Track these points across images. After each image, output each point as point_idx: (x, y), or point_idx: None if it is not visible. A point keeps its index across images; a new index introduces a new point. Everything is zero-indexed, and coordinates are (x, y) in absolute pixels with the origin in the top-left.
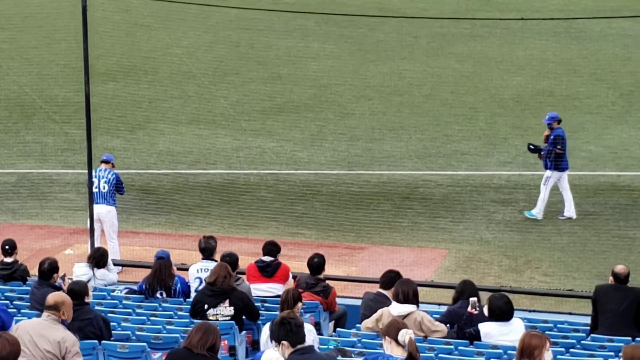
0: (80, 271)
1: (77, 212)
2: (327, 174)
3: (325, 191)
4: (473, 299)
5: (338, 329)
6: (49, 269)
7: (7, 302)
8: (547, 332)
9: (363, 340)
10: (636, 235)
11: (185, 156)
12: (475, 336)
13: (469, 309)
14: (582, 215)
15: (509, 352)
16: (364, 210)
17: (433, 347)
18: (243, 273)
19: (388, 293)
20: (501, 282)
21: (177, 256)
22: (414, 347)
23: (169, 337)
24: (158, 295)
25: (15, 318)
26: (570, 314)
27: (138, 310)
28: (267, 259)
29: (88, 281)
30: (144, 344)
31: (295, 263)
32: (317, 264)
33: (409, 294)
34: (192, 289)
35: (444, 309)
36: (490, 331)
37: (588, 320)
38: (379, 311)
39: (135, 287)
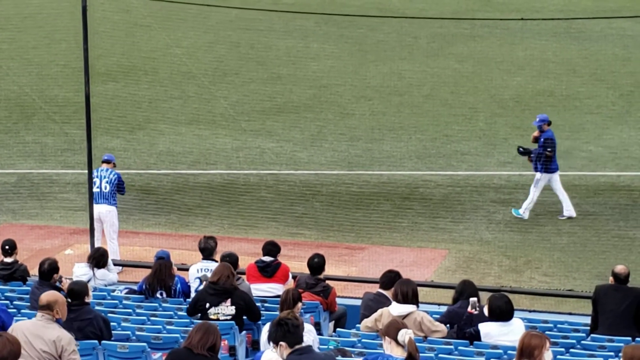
0: (81, 271)
1: (77, 212)
2: (327, 174)
3: (325, 191)
4: (473, 299)
5: (338, 329)
6: (49, 270)
7: (7, 302)
8: (547, 332)
9: (363, 340)
10: (636, 236)
11: (185, 156)
12: (475, 336)
13: (469, 309)
14: (582, 216)
15: (509, 352)
16: (363, 211)
17: (433, 347)
18: (243, 273)
19: (388, 293)
20: (501, 282)
21: (177, 256)
22: (414, 347)
23: (169, 337)
24: (158, 295)
25: (15, 318)
26: (570, 314)
27: (138, 311)
28: (267, 259)
29: (88, 281)
30: (144, 344)
31: (295, 263)
32: (317, 264)
33: (408, 294)
34: (192, 289)
35: (444, 309)
36: (490, 331)
37: (588, 320)
38: (379, 311)
39: (135, 287)
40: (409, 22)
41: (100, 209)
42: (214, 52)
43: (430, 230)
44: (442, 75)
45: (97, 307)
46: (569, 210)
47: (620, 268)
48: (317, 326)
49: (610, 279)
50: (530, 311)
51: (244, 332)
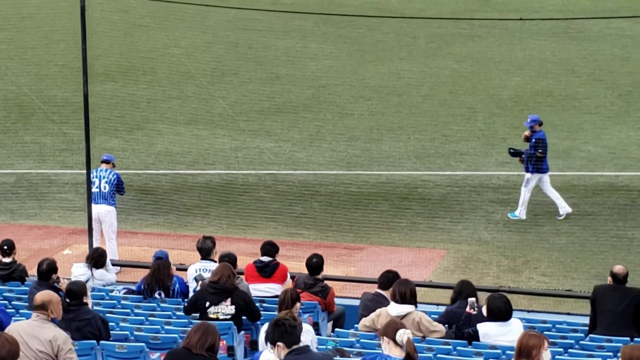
0: (79, 271)
1: (75, 213)
2: (326, 174)
3: (323, 191)
4: (472, 300)
5: (336, 329)
6: (47, 270)
7: (6, 302)
8: (545, 333)
9: (361, 340)
10: (635, 236)
11: (184, 156)
12: (474, 336)
13: (468, 309)
14: (581, 216)
15: (508, 352)
16: (362, 211)
17: (431, 347)
18: (241, 273)
19: (386, 293)
20: (500, 283)
21: (175, 256)
22: (412, 347)
23: (168, 337)
24: (156, 295)
25: (13, 318)
26: (568, 314)
27: (136, 311)
28: (266, 259)
29: (86, 281)
30: (143, 344)
31: (294, 263)
32: (315, 264)
33: (406, 294)
34: (191, 289)
35: (442, 309)
36: (489, 331)
37: (586, 320)
38: (377, 311)
39: (133, 287)
40: (408, 22)
41: (99, 209)
42: (213, 52)
43: (429, 230)
44: (441, 75)
45: (95, 307)
46: (563, 207)
47: (618, 268)
48: (316, 326)
49: (609, 279)
50: (528, 311)
51: (242, 332)
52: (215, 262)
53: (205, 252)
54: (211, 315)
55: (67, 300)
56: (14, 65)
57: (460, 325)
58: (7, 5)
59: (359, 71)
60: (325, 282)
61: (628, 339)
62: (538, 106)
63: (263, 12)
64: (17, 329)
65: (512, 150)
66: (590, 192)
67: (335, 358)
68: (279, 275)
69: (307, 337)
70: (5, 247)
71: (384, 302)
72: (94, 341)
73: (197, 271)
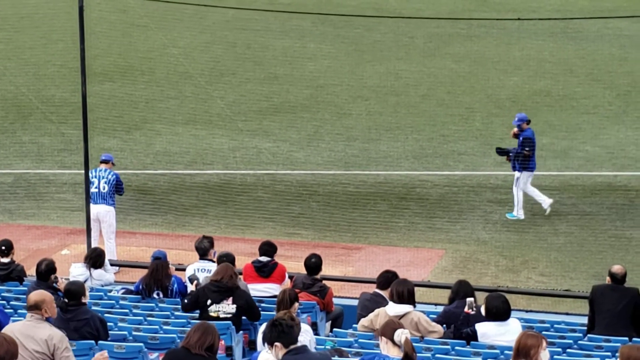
0: (77, 271)
1: (73, 213)
2: (324, 174)
3: (321, 191)
4: (470, 299)
5: (335, 329)
6: (46, 270)
7: (4, 302)
8: (544, 332)
9: (360, 340)
10: (633, 235)
11: (182, 156)
12: (472, 336)
13: (466, 309)
14: (579, 215)
15: (506, 352)
16: (360, 211)
17: (430, 347)
18: (240, 273)
19: (385, 293)
20: (498, 282)
21: (173, 256)
22: (410, 347)
23: (166, 337)
24: (155, 295)
25: (12, 318)
26: (567, 314)
27: (135, 311)
28: (264, 259)
29: (85, 281)
30: (141, 344)
31: (292, 263)
32: (314, 264)
33: (404, 294)
34: (189, 289)
35: (440, 309)
36: (487, 331)
37: (585, 320)
38: (376, 311)
39: (132, 288)
40: (406, 22)
41: (98, 209)
42: (211, 52)
43: (427, 230)
44: (439, 75)
45: (94, 307)
46: (544, 201)
47: (617, 268)
48: (314, 326)
49: (607, 279)
50: (527, 311)
51: (240, 332)
52: (213, 262)
53: (202, 251)
54: (212, 314)
55: (66, 300)
56: (12, 65)
57: (459, 325)
58: (5, 5)
59: (357, 71)
60: (324, 282)
61: (626, 338)
62: (536, 106)
63: (261, 12)
64: (12, 330)
65: (499, 150)
66: (589, 192)
67: (333, 358)
68: (278, 275)
69: (306, 337)
70: (3, 247)
71: (382, 302)
72: (93, 341)
73: (195, 271)
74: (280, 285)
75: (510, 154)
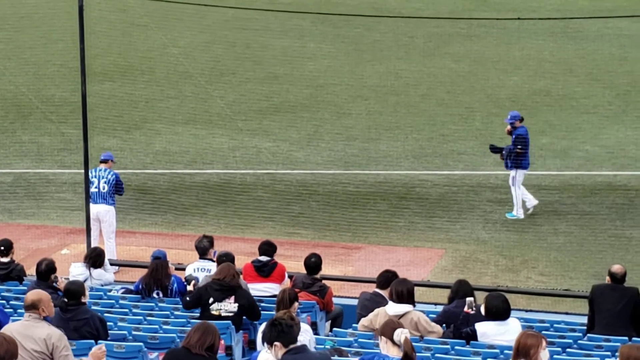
0: (77, 271)
1: (73, 212)
2: (324, 174)
3: (321, 191)
4: (470, 299)
5: (334, 329)
6: (46, 270)
7: (4, 302)
8: (543, 332)
9: (359, 340)
10: (633, 235)
11: (182, 156)
12: (472, 336)
13: (466, 308)
14: (579, 215)
15: (506, 351)
16: (360, 210)
17: (429, 346)
18: (240, 273)
19: (384, 293)
20: (498, 282)
21: (173, 256)
22: (410, 346)
23: (166, 337)
24: (154, 295)
25: (11, 318)
26: (566, 313)
27: (134, 310)
28: (264, 258)
29: (85, 281)
30: (141, 343)
31: (292, 263)
32: (314, 263)
33: (403, 293)
34: (188, 289)
35: (440, 308)
36: (487, 331)
37: (585, 320)
38: (375, 310)
39: (131, 287)
40: (405, 22)
41: (98, 209)
42: (211, 51)
43: (427, 229)
44: (439, 74)
45: (93, 307)
46: (529, 200)
47: (616, 267)
48: (314, 326)
49: (607, 279)
50: (526, 311)
51: (240, 331)
52: (213, 261)
53: (201, 251)
54: (213, 312)
55: (65, 299)
56: (12, 64)
57: (459, 325)
58: (5, 5)
59: (357, 71)
60: (323, 281)
61: (626, 338)
62: (536, 106)
63: (261, 12)
64: (10, 330)
65: (492, 147)
66: (589, 191)
67: (333, 358)
68: (277, 274)
69: (305, 336)
70: (3, 247)
71: (382, 302)
72: (92, 341)
73: (195, 271)
74: (280, 284)
75: (504, 152)
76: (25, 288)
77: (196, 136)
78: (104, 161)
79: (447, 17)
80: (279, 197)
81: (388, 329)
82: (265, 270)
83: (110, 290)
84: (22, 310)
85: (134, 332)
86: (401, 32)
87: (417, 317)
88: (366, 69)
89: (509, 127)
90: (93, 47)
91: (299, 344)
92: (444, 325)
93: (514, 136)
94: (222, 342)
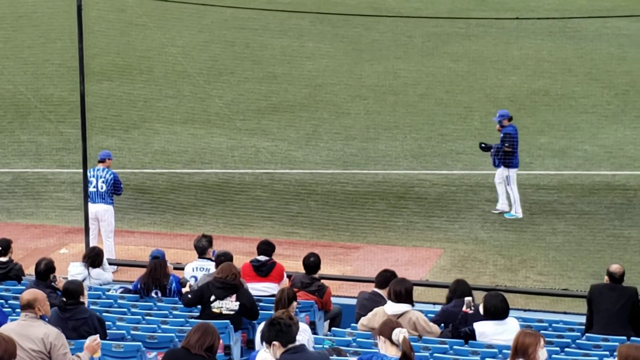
0: (76, 270)
1: (72, 212)
2: (322, 174)
3: (320, 190)
4: (468, 299)
5: (333, 328)
6: (45, 270)
7: (2, 301)
8: (542, 332)
9: (358, 339)
10: (631, 235)
11: (180, 155)
12: (471, 335)
13: (465, 308)
14: (578, 215)
15: (504, 351)
16: (359, 210)
17: (428, 346)
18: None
19: (383, 292)
20: (496, 282)
21: (172, 255)
22: (408, 346)
23: (164, 337)
24: (153, 294)
25: (10, 317)
26: (565, 313)
27: (133, 310)
28: (262, 258)
29: (83, 280)
30: (139, 343)
31: (290, 262)
32: (313, 263)
33: (401, 293)
34: (184, 291)
35: (439, 308)
36: (486, 330)
37: (583, 319)
38: (374, 310)
39: (130, 287)
40: (404, 21)
41: (97, 208)
42: (209, 51)
43: (426, 229)
44: (437, 74)
45: (92, 307)
46: (502, 204)
47: (615, 267)
48: (312, 325)
49: (606, 278)
50: (525, 310)
51: (239, 331)
52: (212, 260)
53: (200, 250)
54: (214, 310)
55: (64, 299)
56: (10, 64)
57: (457, 325)
58: (3, 4)
59: (356, 70)
60: (322, 281)
61: (624, 338)
62: (534, 105)
63: (259, 11)
64: (6, 330)
65: (483, 145)
66: (587, 191)
67: (331, 357)
68: (276, 274)
69: (304, 336)
70: (1, 247)
71: (380, 301)
72: None
73: (195, 270)
74: (279, 284)
75: (492, 150)
76: (24, 288)
77: (195, 136)
78: (102, 160)
79: (445, 17)
80: (278, 196)
81: (386, 329)
82: (263, 270)
83: (108, 290)
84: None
85: (132, 332)
86: (400, 32)
87: (416, 317)
88: (365, 69)
89: (497, 126)
90: (91, 47)
91: (297, 343)
92: (442, 325)
93: (502, 134)
94: (221, 341)
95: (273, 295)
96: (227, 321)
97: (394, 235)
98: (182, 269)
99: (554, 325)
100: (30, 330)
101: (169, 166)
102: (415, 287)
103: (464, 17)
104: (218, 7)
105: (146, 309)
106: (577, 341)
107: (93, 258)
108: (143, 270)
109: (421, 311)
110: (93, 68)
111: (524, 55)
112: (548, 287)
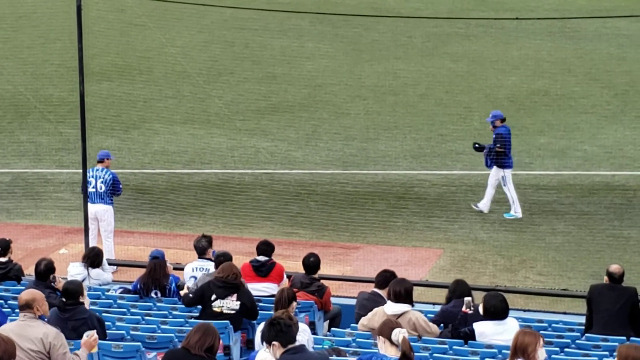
0: (75, 271)
1: (71, 212)
2: (322, 174)
3: (320, 191)
4: (468, 299)
5: (333, 329)
6: (45, 270)
7: (2, 301)
8: (541, 332)
9: (357, 339)
10: (631, 235)
11: (180, 156)
12: (470, 335)
13: (464, 308)
14: (577, 215)
15: (504, 351)
16: (358, 210)
17: (427, 346)
18: None
19: (383, 292)
20: (496, 282)
21: (171, 256)
22: (408, 346)
23: (164, 337)
24: (153, 294)
25: (9, 318)
26: (565, 313)
27: (133, 310)
28: (262, 258)
29: (83, 281)
30: (139, 343)
31: (290, 262)
32: (312, 263)
33: (401, 293)
34: (182, 294)
35: (438, 308)
36: (485, 330)
37: (583, 319)
38: (374, 310)
39: (129, 287)
40: (404, 22)
41: (97, 208)
42: (209, 51)
43: (425, 229)
44: (437, 74)
45: (91, 307)
46: (485, 205)
47: (614, 267)
48: (312, 325)
49: (605, 279)
50: (524, 310)
51: (238, 331)
52: (212, 261)
53: (200, 250)
54: (215, 309)
55: (64, 299)
56: (10, 64)
57: (457, 325)
58: (3, 4)
59: (355, 70)
60: (322, 281)
61: (624, 338)
62: (534, 105)
63: (259, 12)
64: (5, 331)
65: (476, 145)
66: (587, 191)
67: (331, 357)
68: (276, 274)
69: (304, 336)
70: (0, 247)
71: (380, 302)
72: None
73: (195, 270)
74: (278, 284)
75: (485, 150)
76: (23, 288)
77: (194, 136)
78: (100, 160)
79: (445, 17)
80: (277, 197)
81: (386, 329)
82: (263, 270)
83: (108, 290)
84: None
85: (132, 332)
86: (400, 32)
87: (416, 317)
88: (365, 69)
89: (491, 127)
90: (91, 47)
91: (297, 343)
92: (441, 325)
93: (494, 135)
94: (220, 342)
95: (273, 296)
96: (227, 321)
97: (393, 236)
98: (182, 269)
99: (553, 325)
100: (29, 331)
101: (168, 166)
102: (414, 288)
103: (463, 17)
104: (218, 8)
105: (146, 309)
106: (577, 341)
107: (93, 258)
108: (142, 271)
109: (421, 311)
110: (93, 68)
111: (524, 56)
112: (548, 287)
